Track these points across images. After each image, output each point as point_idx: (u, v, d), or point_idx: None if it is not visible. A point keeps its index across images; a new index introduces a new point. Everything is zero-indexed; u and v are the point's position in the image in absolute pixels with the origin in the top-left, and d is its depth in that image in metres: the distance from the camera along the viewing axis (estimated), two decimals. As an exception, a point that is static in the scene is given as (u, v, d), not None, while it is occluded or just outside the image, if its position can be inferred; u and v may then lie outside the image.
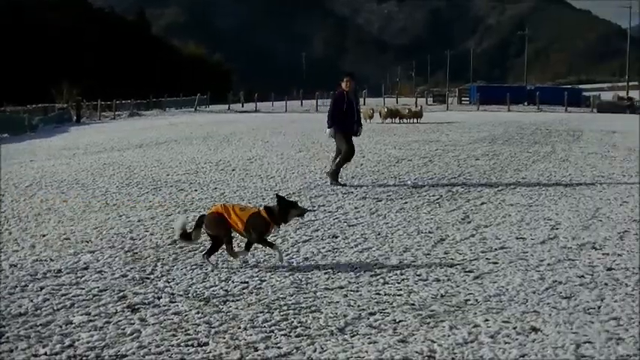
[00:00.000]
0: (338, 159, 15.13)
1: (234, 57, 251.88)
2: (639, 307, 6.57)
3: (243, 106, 76.21)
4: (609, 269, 7.96)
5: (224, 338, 5.81)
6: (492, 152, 21.81)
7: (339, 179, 14.94)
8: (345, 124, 15.02)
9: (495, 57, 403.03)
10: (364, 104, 58.66)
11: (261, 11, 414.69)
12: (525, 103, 73.47)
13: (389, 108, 42.81)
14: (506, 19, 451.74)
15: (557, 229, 10.16)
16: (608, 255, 8.63)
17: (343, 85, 15.09)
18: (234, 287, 7.27)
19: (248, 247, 8.23)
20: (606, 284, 7.36)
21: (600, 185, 14.82)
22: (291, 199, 8.93)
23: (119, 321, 6.23)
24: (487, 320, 6.23)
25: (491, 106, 68.81)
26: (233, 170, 17.45)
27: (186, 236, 8.18)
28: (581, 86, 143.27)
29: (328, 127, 15.19)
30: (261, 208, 8.17)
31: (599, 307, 6.60)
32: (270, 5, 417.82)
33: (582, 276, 7.65)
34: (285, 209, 8.11)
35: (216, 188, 14.38)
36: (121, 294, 7.05)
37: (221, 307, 6.64)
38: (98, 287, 7.27)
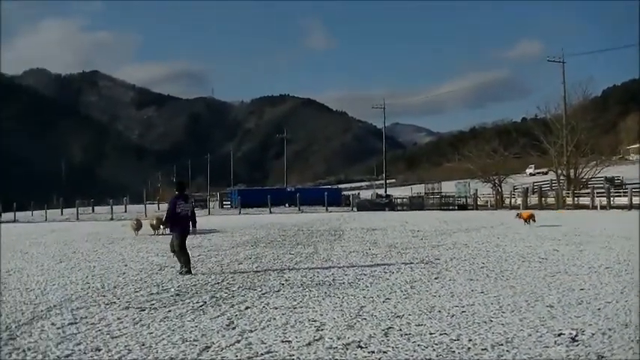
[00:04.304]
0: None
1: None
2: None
3: (0, 216, 73.03)
4: (376, 367, 8.09)
5: None
6: (255, 255, 21.94)
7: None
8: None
9: (255, 160, 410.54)
10: (125, 211, 57.59)
11: (15, 120, 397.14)
12: (287, 205, 75.12)
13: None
14: (264, 123, 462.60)
15: (322, 329, 10.23)
16: (374, 353, 8.77)
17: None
18: None
19: None
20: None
21: (363, 283, 15.15)
22: None
23: None
24: None
25: (252, 209, 69.90)
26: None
27: None
28: (340, 185, 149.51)
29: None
30: None
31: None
32: (24, 115, 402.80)
33: (350, 375, 7.71)
34: None
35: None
36: None
37: None
38: None
